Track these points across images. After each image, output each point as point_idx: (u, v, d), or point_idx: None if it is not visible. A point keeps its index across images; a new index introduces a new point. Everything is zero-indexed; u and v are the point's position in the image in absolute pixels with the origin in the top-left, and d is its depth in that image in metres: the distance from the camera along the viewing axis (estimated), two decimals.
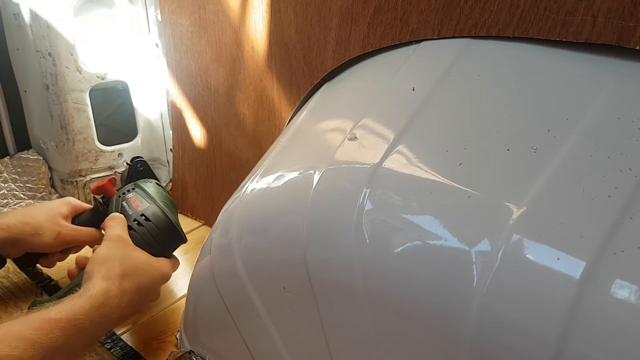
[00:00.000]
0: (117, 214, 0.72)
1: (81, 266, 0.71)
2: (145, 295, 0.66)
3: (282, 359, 0.50)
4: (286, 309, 0.48)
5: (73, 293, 0.59)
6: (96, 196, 0.78)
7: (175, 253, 0.75)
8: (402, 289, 0.37)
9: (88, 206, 0.80)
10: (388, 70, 0.52)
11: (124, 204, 0.74)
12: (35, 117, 1.04)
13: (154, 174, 0.81)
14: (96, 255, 0.63)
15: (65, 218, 0.75)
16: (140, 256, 0.66)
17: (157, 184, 0.79)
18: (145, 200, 0.74)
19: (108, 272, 0.60)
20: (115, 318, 0.59)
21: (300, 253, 0.43)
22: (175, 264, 0.73)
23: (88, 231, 0.77)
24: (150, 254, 0.69)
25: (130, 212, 0.72)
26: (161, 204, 0.73)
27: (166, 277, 0.70)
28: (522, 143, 0.37)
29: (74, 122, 0.99)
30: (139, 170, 0.80)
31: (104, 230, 0.70)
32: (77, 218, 0.79)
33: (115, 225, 0.69)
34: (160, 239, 0.71)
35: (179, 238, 0.73)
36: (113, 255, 0.63)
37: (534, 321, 0.31)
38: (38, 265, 0.79)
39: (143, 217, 0.71)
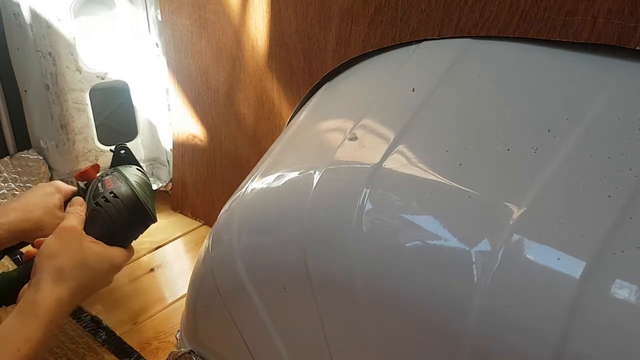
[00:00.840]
0: (77, 198, 0.72)
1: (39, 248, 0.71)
2: (97, 285, 0.67)
3: (282, 359, 0.50)
4: (286, 309, 0.48)
5: (24, 276, 0.60)
6: (79, 182, 0.78)
7: (175, 252, 0.75)
8: (402, 289, 0.37)
9: (73, 188, 0.79)
10: (388, 71, 0.52)
11: (99, 185, 0.73)
12: (35, 117, 1.04)
13: (137, 161, 0.81)
14: (46, 248, 0.63)
15: (59, 207, 0.75)
16: (92, 248, 0.66)
17: (137, 169, 0.79)
18: (119, 181, 0.73)
19: (58, 272, 0.60)
20: (65, 318, 0.61)
21: (300, 253, 0.43)
22: (131, 252, 0.73)
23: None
24: (112, 232, 0.69)
25: (101, 191, 0.72)
26: (133, 183, 0.73)
27: (118, 268, 0.70)
28: (522, 143, 0.37)
29: (74, 121, 0.98)
30: (121, 156, 0.79)
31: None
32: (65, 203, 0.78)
33: (70, 216, 0.68)
34: (125, 216, 0.70)
35: (146, 215, 0.72)
36: (62, 249, 0.63)
37: (534, 321, 0.31)
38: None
39: (111, 194, 0.71)
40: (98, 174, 0.78)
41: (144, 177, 0.77)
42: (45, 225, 0.71)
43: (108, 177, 0.75)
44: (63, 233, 0.65)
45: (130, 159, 0.80)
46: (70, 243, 0.64)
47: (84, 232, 0.67)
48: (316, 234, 0.42)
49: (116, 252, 0.69)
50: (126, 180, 0.73)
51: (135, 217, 0.71)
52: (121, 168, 0.77)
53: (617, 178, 0.33)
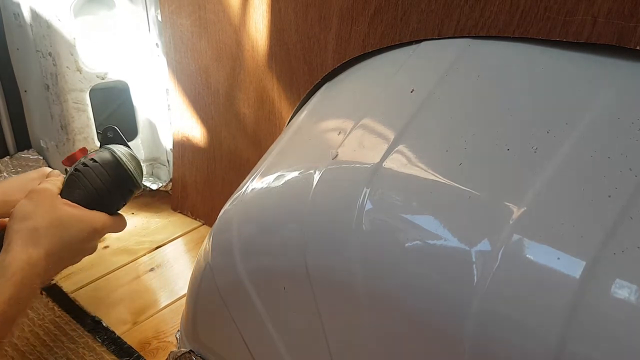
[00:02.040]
0: (55, 171, 0.69)
1: None
2: (76, 251, 0.63)
3: (282, 359, 0.50)
4: (286, 309, 0.48)
5: None
6: (67, 167, 0.75)
7: (175, 251, 0.75)
8: (402, 288, 0.37)
9: (63, 175, 0.75)
10: (388, 70, 0.52)
11: (83, 159, 0.70)
12: (35, 117, 1.04)
13: (125, 141, 0.76)
14: (17, 210, 0.60)
15: None
16: (66, 209, 0.62)
17: (124, 147, 0.75)
18: (101, 152, 0.70)
19: (29, 233, 0.57)
20: (42, 281, 0.57)
21: (300, 253, 0.43)
22: (120, 222, 0.69)
23: None
24: (94, 197, 0.65)
25: (82, 160, 0.69)
26: (116, 151, 0.69)
27: (100, 233, 0.66)
28: (522, 143, 0.37)
29: (74, 122, 0.98)
30: (108, 137, 0.75)
31: None
32: None
33: (45, 182, 0.65)
34: (105, 178, 0.67)
35: (128, 179, 0.69)
36: (35, 210, 0.60)
37: (534, 321, 0.31)
38: None
39: (91, 160, 0.68)
40: None
41: (130, 151, 0.73)
42: None
43: (92, 152, 0.72)
44: (36, 194, 0.62)
45: (118, 140, 0.76)
46: (43, 204, 0.61)
47: (59, 195, 0.64)
48: (316, 234, 0.42)
49: (97, 215, 0.65)
50: (109, 150, 0.70)
51: (116, 180, 0.68)
52: (109, 146, 0.73)
53: (617, 178, 0.33)
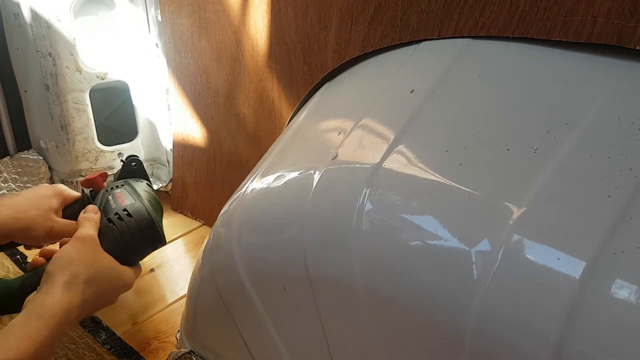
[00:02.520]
0: (92, 206, 0.70)
1: (47, 257, 0.68)
2: (104, 302, 0.65)
3: (282, 359, 0.50)
4: (286, 309, 0.48)
5: (28, 285, 0.58)
6: (85, 189, 0.76)
7: (176, 252, 0.75)
8: (402, 289, 0.37)
9: (77, 194, 0.76)
10: (388, 71, 0.52)
11: (110, 197, 0.71)
12: (35, 117, 1.04)
13: (146, 174, 0.79)
14: (61, 255, 0.61)
15: (56, 211, 0.72)
16: (107, 261, 0.64)
17: (147, 184, 0.77)
18: (131, 196, 0.72)
19: (71, 279, 0.58)
20: (71, 326, 0.59)
21: (300, 253, 0.43)
22: (139, 271, 0.71)
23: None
24: (123, 252, 0.67)
25: (114, 206, 0.70)
26: (146, 202, 0.71)
27: (128, 287, 0.68)
28: (522, 143, 0.37)
29: (74, 122, 0.98)
30: (132, 168, 0.77)
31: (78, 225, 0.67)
32: (64, 208, 0.75)
33: (88, 225, 0.66)
34: (138, 236, 0.68)
35: (158, 239, 0.71)
36: (79, 257, 0.61)
37: (534, 321, 0.31)
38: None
39: (125, 212, 0.69)
40: (105, 183, 0.76)
41: (154, 194, 0.75)
42: (37, 227, 0.69)
43: (119, 190, 0.73)
44: (81, 243, 0.63)
45: (140, 173, 0.78)
46: (87, 252, 0.62)
47: (99, 243, 0.65)
48: (316, 234, 0.42)
49: (128, 271, 0.67)
50: (139, 197, 0.71)
51: (148, 239, 0.70)
52: (132, 181, 0.75)
53: (617, 178, 0.33)
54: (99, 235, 0.66)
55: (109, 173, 0.97)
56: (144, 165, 0.79)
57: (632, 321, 0.29)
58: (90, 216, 0.68)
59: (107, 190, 0.73)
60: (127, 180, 0.76)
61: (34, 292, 0.59)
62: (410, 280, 0.36)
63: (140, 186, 0.75)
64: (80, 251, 0.62)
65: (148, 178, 0.79)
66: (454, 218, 0.36)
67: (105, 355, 0.72)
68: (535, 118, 0.39)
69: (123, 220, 0.68)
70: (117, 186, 0.74)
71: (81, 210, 0.72)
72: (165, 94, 0.99)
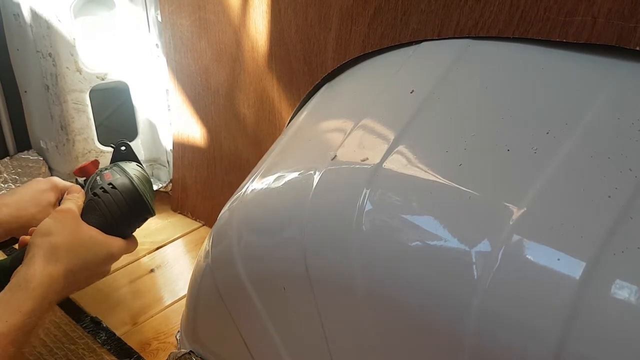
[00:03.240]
0: (75, 186, 0.71)
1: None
2: (91, 273, 0.65)
3: (282, 359, 0.50)
4: (286, 309, 0.48)
5: (17, 262, 0.58)
6: (78, 178, 0.77)
7: (176, 252, 0.75)
8: (402, 289, 0.37)
9: (71, 185, 0.76)
10: (388, 71, 0.52)
11: (97, 178, 0.72)
12: (35, 118, 1.04)
13: (137, 157, 0.79)
14: (41, 227, 0.61)
15: (54, 204, 0.73)
16: (88, 231, 0.65)
17: (137, 165, 0.78)
18: (118, 174, 0.73)
19: (51, 249, 0.59)
20: (58, 298, 0.59)
21: (300, 253, 0.43)
22: (132, 244, 0.72)
23: None
24: (109, 223, 0.68)
25: (100, 183, 0.71)
26: (132, 176, 0.72)
27: (115, 257, 0.68)
28: (522, 143, 0.37)
29: (74, 122, 0.99)
30: (122, 152, 0.78)
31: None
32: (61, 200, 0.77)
33: (68, 201, 0.67)
34: (123, 207, 0.69)
35: (145, 209, 0.72)
36: (58, 228, 0.61)
37: (534, 321, 0.31)
38: None
39: (110, 186, 0.70)
40: (97, 170, 0.77)
41: (143, 172, 0.77)
42: (37, 223, 0.68)
43: (107, 171, 0.74)
44: (60, 214, 0.64)
45: (130, 156, 0.79)
46: (66, 224, 0.63)
47: (78, 216, 0.66)
48: (316, 235, 0.42)
49: (114, 240, 0.67)
50: (125, 173, 0.73)
51: (134, 208, 0.70)
52: (121, 163, 0.76)
53: (617, 178, 0.33)
54: (84, 210, 0.67)
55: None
56: (133, 149, 0.80)
57: (632, 321, 0.29)
58: (72, 195, 0.69)
59: (96, 174, 0.74)
60: (116, 163, 0.77)
61: (20, 266, 0.59)
62: (410, 280, 0.36)
63: (129, 166, 0.76)
64: (59, 221, 0.62)
65: (138, 160, 0.79)
66: (454, 218, 0.36)
67: (105, 355, 0.72)
68: (535, 118, 0.38)
69: (107, 192, 0.69)
70: (106, 168, 0.75)
71: None
72: (165, 94, 0.99)
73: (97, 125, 1.01)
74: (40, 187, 0.73)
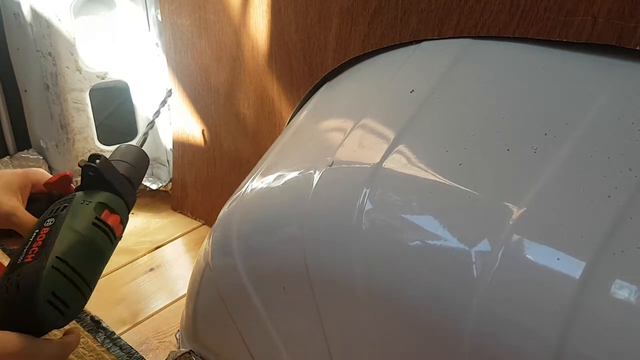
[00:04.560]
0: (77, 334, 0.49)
1: None
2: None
3: (282, 359, 0.50)
4: (286, 309, 0.48)
5: None
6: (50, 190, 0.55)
7: (175, 252, 0.75)
8: (402, 289, 0.37)
9: (48, 175, 0.56)
10: (388, 70, 0.52)
11: (35, 233, 0.47)
12: (35, 117, 1.04)
13: (111, 185, 0.52)
14: None
15: (15, 193, 0.53)
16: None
17: (100, 203, 0.50)
18: (45, 246, 0.45)
19: None
20: None
21: (300, 253, 0.42)
22: (72, 342, 0.48)
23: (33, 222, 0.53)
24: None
25: (19, 261, 0.45)
26: (57, 262, 0.44)
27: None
28: (522, 143, 0.37)
29: (74, 121, 0.99)
30: (89, 176, 0.52)
31: None
32: (30, 200, 0.55)
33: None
34: (7, 315, 0.44)
35: (33, 321, 0.43)
36: None
37: (534, 321, 0.31)
38: None
39: (15, 280, 0.43)
40: (73, 184, 0.55)
41: (102, 224, 0.49)
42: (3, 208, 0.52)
43: (46, 227, 0.47)
44: None
45: (101, 183, 0.52)
46: None
47: None
48: (316, 234, 0.42)
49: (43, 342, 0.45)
50: (54, 248, 0.45)
51: (17, 319, 0.44)
52: (77, 204, 0.50)
53: (617, 178, 0.33)
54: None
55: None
56: (113, 167, 0.54)
57: (632, 322, 0.29)
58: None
59: (51, 211, 0.50)
60: (75, 197, 0.51)
61: None
62: (410, 280, 0.36)
63: (84, 213, 0.49)
64: None
65: (114, 189, 0.52)
66: (453, 218, 0.36)
67: (105, 355, 0.72)
68: (535, 118, 0.38)
69: (7, 293, 0.44)
70: (49, 216, 0.49)
71: (46, 209, 0.51)
72: (165, 93, 0.99)
73: (97, 124, 1.01)
74: (13, 180, 0.55)
